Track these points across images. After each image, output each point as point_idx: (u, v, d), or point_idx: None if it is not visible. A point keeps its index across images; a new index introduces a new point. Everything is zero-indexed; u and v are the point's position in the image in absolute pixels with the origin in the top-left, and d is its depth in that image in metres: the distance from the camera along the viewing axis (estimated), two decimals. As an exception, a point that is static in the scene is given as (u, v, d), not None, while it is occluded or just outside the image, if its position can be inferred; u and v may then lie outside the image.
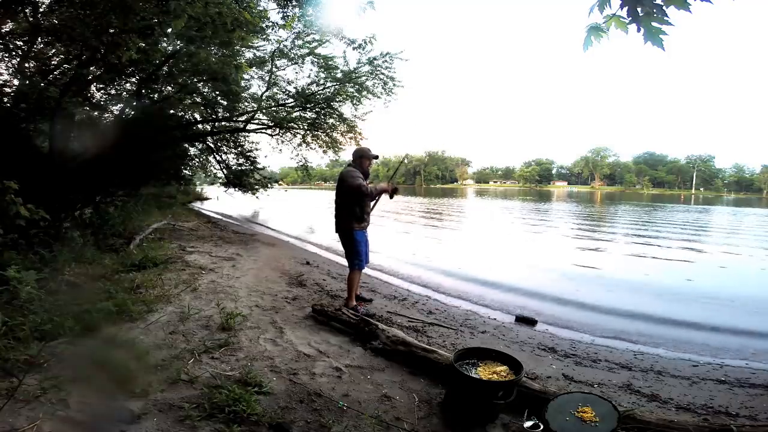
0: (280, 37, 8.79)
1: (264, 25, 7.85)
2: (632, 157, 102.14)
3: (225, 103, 9.38)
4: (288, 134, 10.74)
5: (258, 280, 4.95)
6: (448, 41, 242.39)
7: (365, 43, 8.71)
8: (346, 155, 11.62)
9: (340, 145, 10.64)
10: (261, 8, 7.27)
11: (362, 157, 3.98)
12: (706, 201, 49.27)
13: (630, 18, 1.56)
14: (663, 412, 2.51)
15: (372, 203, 4.07)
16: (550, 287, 5.89)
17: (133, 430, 1.92)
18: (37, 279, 3.13)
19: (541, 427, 1.95)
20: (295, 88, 9.81)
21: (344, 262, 6.91)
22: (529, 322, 4.39)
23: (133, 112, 7.59)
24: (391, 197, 4.14)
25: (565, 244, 10.58)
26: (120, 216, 7.26)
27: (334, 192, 4.07)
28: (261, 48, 9.10)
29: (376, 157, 4.08)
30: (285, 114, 10.17)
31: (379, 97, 9.73)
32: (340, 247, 4.28)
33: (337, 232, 4.05)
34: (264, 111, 10.06)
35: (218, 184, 12.92)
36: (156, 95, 7.94)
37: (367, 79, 9.49)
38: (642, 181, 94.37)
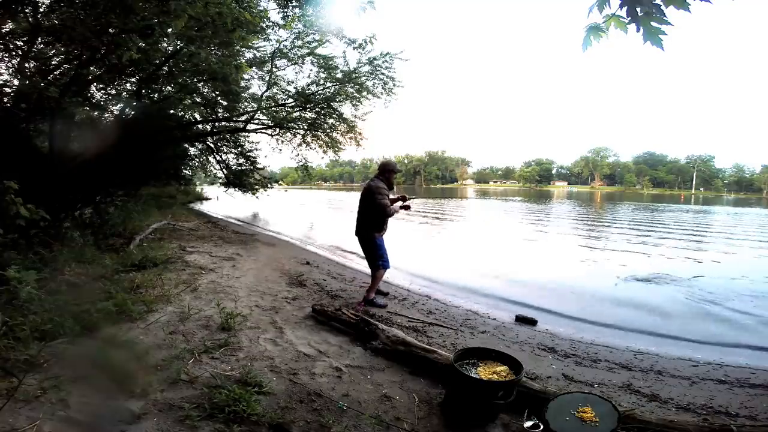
0: (280, 37, 8.82)
1: (264, 25, 7.85)
2: (632, 157, 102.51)
3: (225, 103, 9.38)
4: (288, 134, 10.76)
5: (258, 280, 4.95)
6: (448, 41, 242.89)
7: (365, 42, 8.72)
8: (346, 155, 11.66)
9: (340, 145, 10.67)
10: (261, 8, 7.27)
11: (391, 171, 4.45)
12: (706, 201, 49.25)
13: (629, 18, 1.56)
14: (663, 412, 2.51)
15: None
16: (550, 287, 5.88)
17: (133, 430, 1.92)
18: (37, 279, 3.13)
19: (541, 427, 1.95)
20: (295, 88, 9.84)
21: (344, 262, 7.00)
22: (529, 322, 4.39)
23: (133, 112, 7.59)
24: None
25: (566, 243, 10.57)
26: (120, 216, 7.27)
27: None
28: (261, 48, 9.12)
29: (400, 171, 4.61)
30: (285, 114, 10.18)
31: (379, 97, 9.77)
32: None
33: (357, 236, 4.46)
34: (264, 111, 10.07)
35: (218, 184, 12.93)
36: (156, 95, 7.93)
37: (367, 79, 9.51)
38: (642, 181, 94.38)
